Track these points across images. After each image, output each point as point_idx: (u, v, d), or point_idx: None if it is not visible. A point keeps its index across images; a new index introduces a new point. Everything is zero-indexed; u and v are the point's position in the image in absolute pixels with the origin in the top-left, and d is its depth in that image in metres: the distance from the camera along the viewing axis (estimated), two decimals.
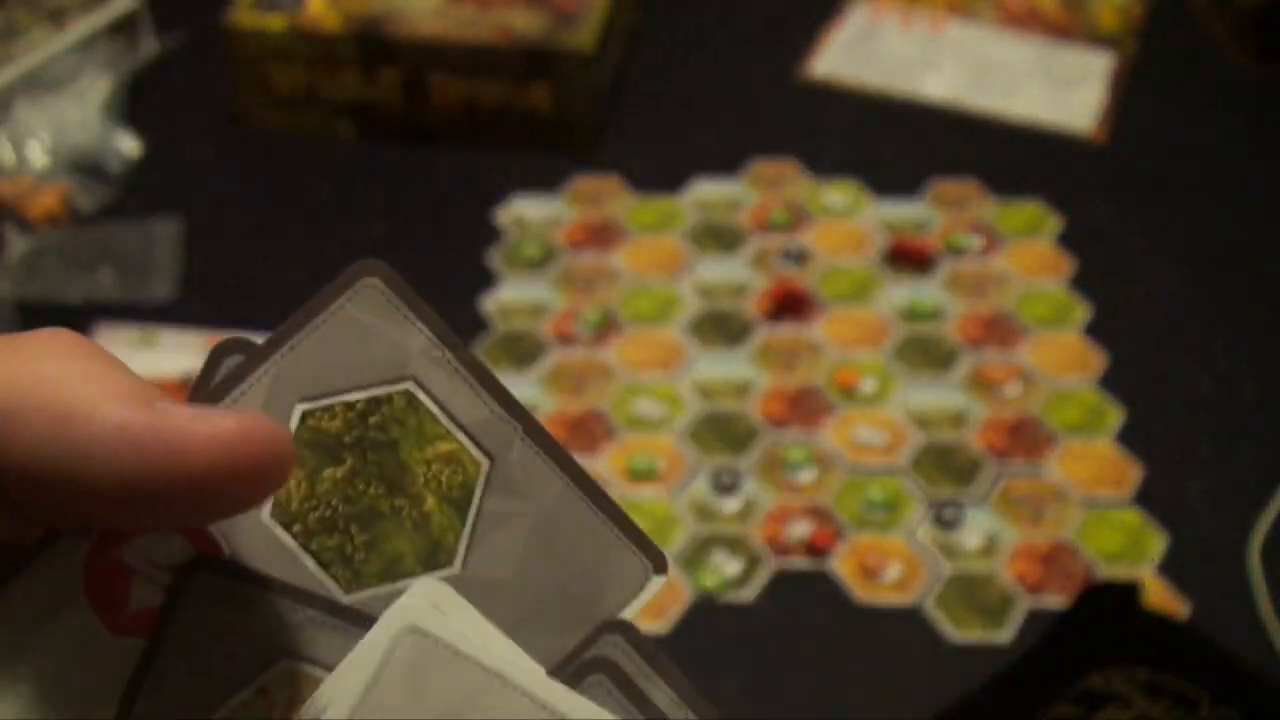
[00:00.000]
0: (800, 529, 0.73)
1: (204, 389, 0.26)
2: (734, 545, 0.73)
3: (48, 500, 0.23)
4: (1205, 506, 0.75)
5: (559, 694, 0.24)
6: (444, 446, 0.27)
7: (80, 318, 0.85)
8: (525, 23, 0.95)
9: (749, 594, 0.70)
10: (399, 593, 0.25)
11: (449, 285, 0.88)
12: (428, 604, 0.25)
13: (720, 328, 0.85)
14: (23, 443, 0.23)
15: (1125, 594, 0.69)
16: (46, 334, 0.24)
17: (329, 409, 0.26)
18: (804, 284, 0.88)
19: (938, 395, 0.80)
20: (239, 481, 0.23)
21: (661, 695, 0.25)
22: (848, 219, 0.93)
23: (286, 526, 0.25)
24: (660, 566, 0.27)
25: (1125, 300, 0.87)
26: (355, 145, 0.99)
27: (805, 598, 0.70)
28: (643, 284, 0.88)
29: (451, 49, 0.94)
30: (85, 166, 0.95)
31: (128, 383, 0.23)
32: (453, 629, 0.24)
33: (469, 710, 0.24)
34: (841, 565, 0.72)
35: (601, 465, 0.76)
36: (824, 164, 0.97)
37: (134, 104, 1.01)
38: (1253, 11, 1.06)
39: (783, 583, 0.71)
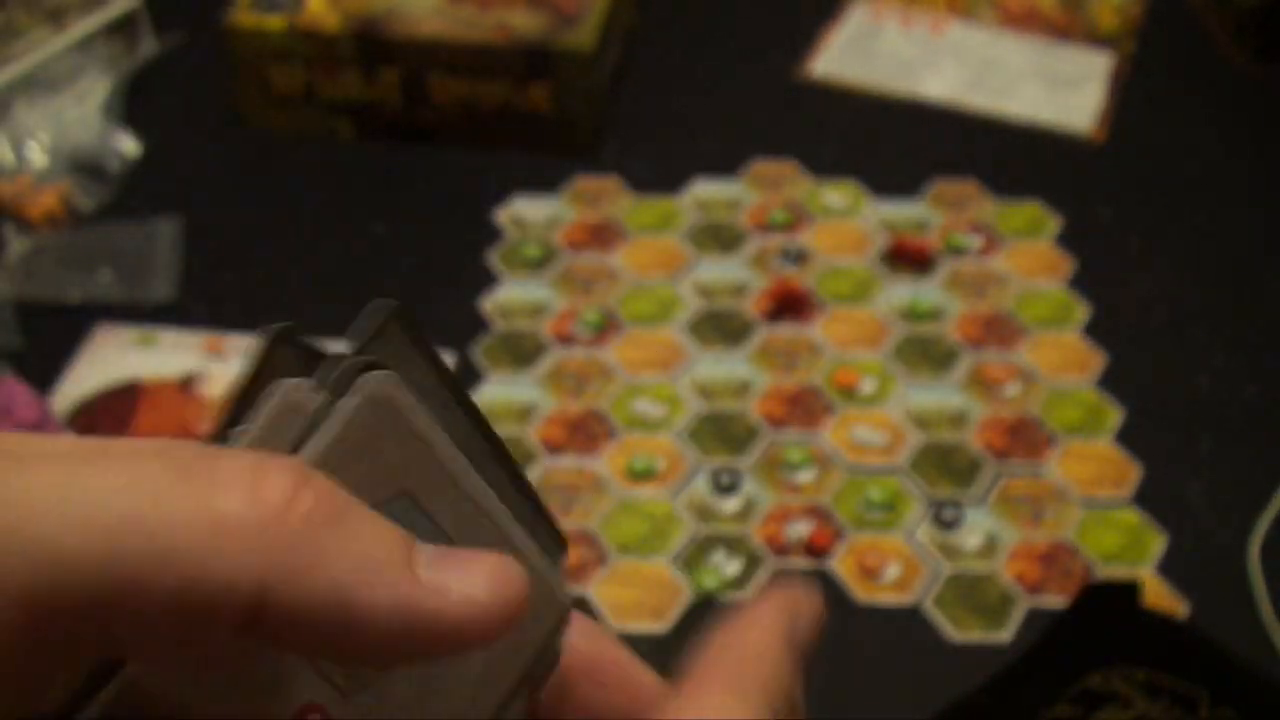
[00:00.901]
0: (800, 529, 0.73)
1: (253, 390, 0.26)
2: (734, 545, 0.73)
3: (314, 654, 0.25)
4: (1205, 506, 0.75)
5: (483, 490, 0.27)
6: None
7: (80, 318, 0.85)
8: (525, 23, 0.95)
9: (749, 594, 0.70)
10: None
11: (449, 285, 0.88)
12: (400, 383, 0.27)
13: (720, 328, 0.85)
14: (301, 629, 0.23)
15: (1124, 594, 0.69)
16: (290, 482, 0.23)
17: None
18: (803, 284, 0.88)
19: (937, 395, 0.80)
20: (491, 634, 0.24)
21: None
22: (847, 219, 0.93)
23: None
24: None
25: (1125, 300, 0.87)
26: (355, 145, 0.99)
27: None
28: (643, 284, 0.88)
29: (451, 49, 0.94)
30: (85, 166, 0.95)
31: (386, 545, 0.24)
32: (418, 410, 0.26)
33: (405, 479, 0.26)
34: (841, 565, 0.72)
35: (601, 465, 0.76)
36: (824, 164, 0.97)
37: (134, 104, 1.01)
38: (1253, 11, 1.06)
39: (782, 582, 0.71)
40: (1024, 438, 0.78)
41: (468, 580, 0.24)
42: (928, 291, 0.87)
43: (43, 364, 0.81)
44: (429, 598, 0.23)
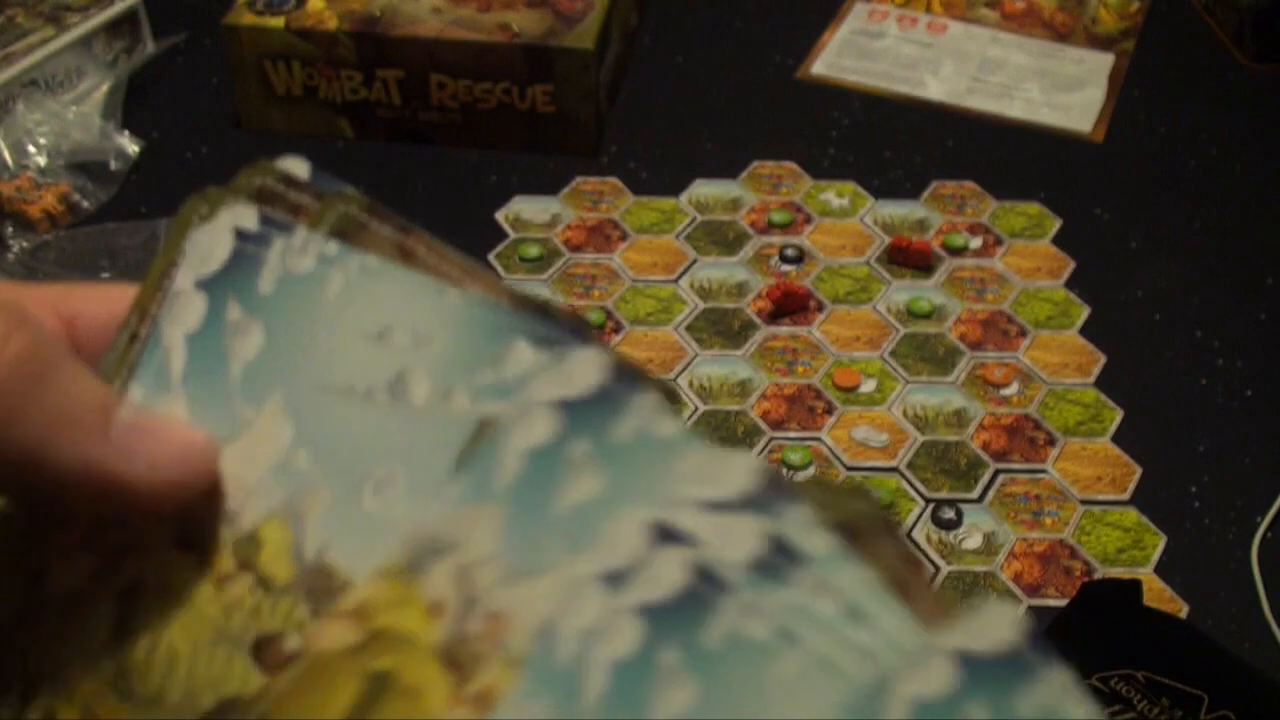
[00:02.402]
0: None
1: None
2: None
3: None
4: (1205, 506, 0.75)
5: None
6: None
7: None
8: (525, 23, 0.95)
9: None
10: None
11: None
12: None
13: (720, 328, 0.85)
14: None
15: (1125, 594, 0.69)
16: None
17: None
18: (803, 284, 0.88)
19: (937, 395, 0.80)
20: (180, 497, 0.26)
21: None
22: (847, 219, 0.93)
23: None
24: None
25: (1124, 300, 0.87)
26: (355, 145, 0.99)
27: None
28: (642, 284, 0.88)
29: (451, 49, 0.94)
30: (85, 166, 0.95)
31: (84, 403, 0.25)
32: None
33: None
34: None
35: None
36: (824, 164, 0.97)
37: (134, 104, 1.01)
38: (1253, 11, 1.06)
39: None
40: (1024, 438, 0.78)
41: (158, 450, 0.25)
42: (928, 291, 0.87)
43: None
44: (117, 461, 0.25)
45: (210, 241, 0.28)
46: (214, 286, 0.28)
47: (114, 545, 0.27)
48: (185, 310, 0.28)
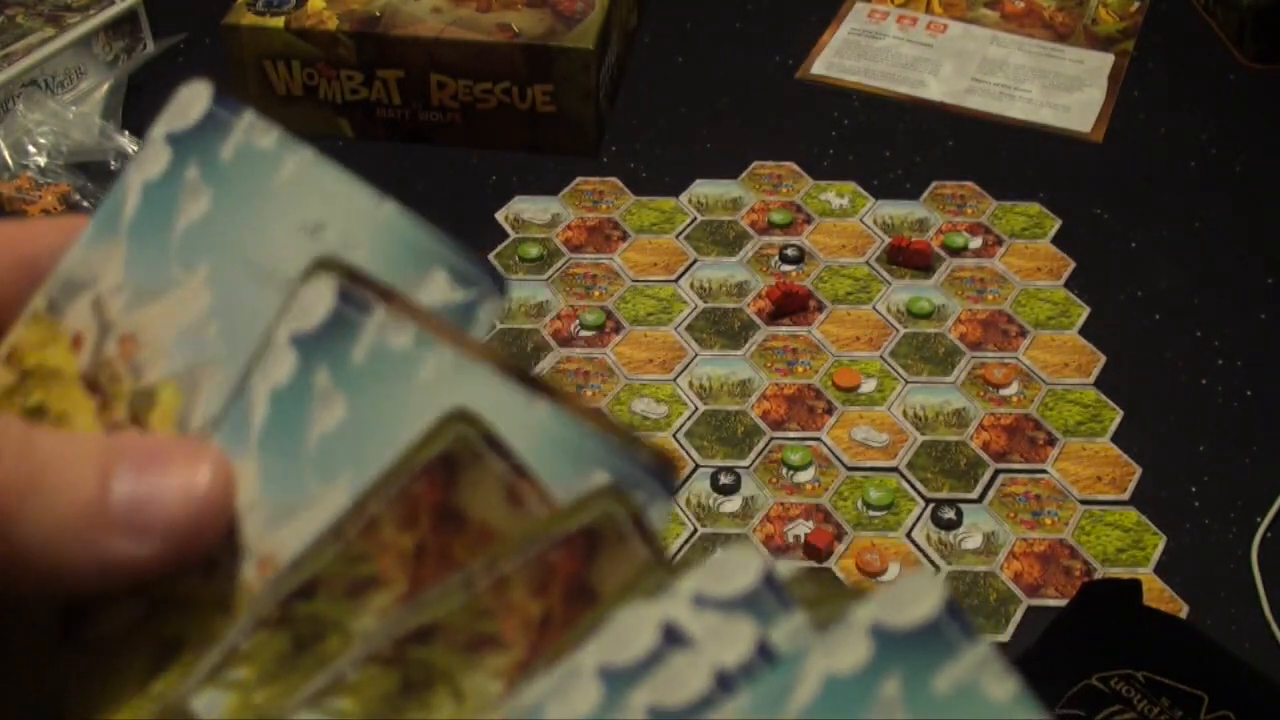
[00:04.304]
0: (800, 529, 0.73)
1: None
2: None
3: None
4: (1205, 506, 0.75)
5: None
6: None
7: None
8: (525, 23, 0.95)
9: None
10: None
11: None
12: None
13: (720, 328, 0.85)
14: (14, 580, 0.23)
15: (1125, 594, 0.69)
16: None
17: None
18: (803, 284, 0.88)
19: (937, 395, 0.80)
20: (201, 553, 0.25)
21: None
22: (847, 219, 0.93)
23: None
24: None
25: (1124, 300, 0.87)
26: (355, 145, 0.99)
27: None
28: (643, 284, 0.88)
29: (451, 49, 0.94)
30: (85, 166, 0.95)
31: (79, 501, 0.24)
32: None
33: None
34: (841, 565, 0.72)
35: None
36: (823, 164, 0.97)
37: (134, 104, 1.01)
38: (1253, 11, 1.06)
39: None
40: (1024, 438, 0.78)
41: (162, 518, 0.24)
42: (928, 291, 0.87)
43: None
44: (128, 545, 0.24)
45: (190, 99, 0.30)
46: (180, 143, 0.29)
47: (159, 593, 0.26)
48: (150, 160, 0.29)
